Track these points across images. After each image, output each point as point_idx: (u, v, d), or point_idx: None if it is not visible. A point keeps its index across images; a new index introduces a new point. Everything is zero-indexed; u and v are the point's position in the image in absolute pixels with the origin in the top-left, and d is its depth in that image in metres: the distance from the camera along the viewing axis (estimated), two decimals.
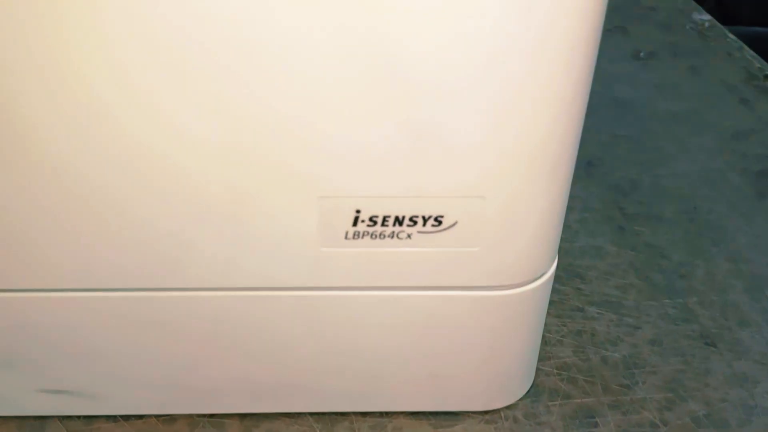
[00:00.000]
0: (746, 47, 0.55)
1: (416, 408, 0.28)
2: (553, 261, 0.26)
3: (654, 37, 0.56)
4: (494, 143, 0.21)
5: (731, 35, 0.57)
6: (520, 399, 0.29)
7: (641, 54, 0.53)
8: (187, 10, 0.18)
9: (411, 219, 0.23)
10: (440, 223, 0.23)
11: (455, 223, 0.23)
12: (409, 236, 0.23)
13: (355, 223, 0.23)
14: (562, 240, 0.33)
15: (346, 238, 0.23)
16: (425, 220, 0.23)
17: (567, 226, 0.36)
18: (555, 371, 0.30)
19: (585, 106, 0.22)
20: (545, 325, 0.30)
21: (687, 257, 0.36)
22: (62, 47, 0.19)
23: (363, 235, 0.23)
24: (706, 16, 0.60)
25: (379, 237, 0.23)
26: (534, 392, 0.29)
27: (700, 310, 0.33)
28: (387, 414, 0.28)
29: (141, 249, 0.22)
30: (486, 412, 0.28)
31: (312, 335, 0.25)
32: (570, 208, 0.36)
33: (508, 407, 0.28)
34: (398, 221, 0.23)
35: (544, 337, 0.30)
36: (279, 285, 0.24)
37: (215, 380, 0.26)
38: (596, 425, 0.28)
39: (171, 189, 0.21)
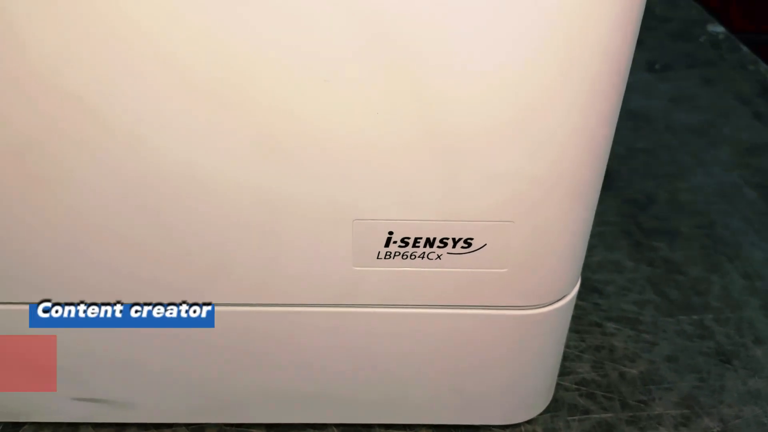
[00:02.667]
0: (760, 60, 0.56)
1: (439, 421, 0.29)
2: (577, 282, 0.26)
3: (669, 49, 0.56)
4: (525, 171, 0.22)
5: (745, 47, 0.57)
6: (540, 414, 0.29)
7: (656, 66, 0.54)
8: (227, 35, 0.19)
9: (441, 241, 0.23)
10: (469, 245, 0.24)
11: (484, 245, 0.24)
12: (438, 257, 0.24)
13: (387, 244, 0.23)
14: None
15: (378, 257, 0.24)
16: (455, 242, 0.23)
17: None
18: (574, 386, 0.30)
19: (612, 135, 0.23)
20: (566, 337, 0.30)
21: (703, 273, 0.36)
22: (113, 73, 0.19)
23: (394, 255, 0.24)
24: (720, 28, 0.60)
25: (410, 257, 0.24)
26: (554, 407, 0.30)
27: (716, 326, 0.33)
28: (410, 427, 0.29)
29: (185, 267, 0.23)
30: (506, 427, 0.29)
31: (341, 350, 0.26)
32: None
33: (528, 422, 0.29)
34: (429, 243, 0.23)
35: (563, 352, 0.31)
36: (312, 302, 0.24)
37: (244, 391, 0.27)
38: None
39: (215, 212, 0.22)
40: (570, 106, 0.21)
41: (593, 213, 0.25)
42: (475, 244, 0.24)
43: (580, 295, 0.34)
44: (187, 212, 0.22)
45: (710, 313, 0.34)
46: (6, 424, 0.28)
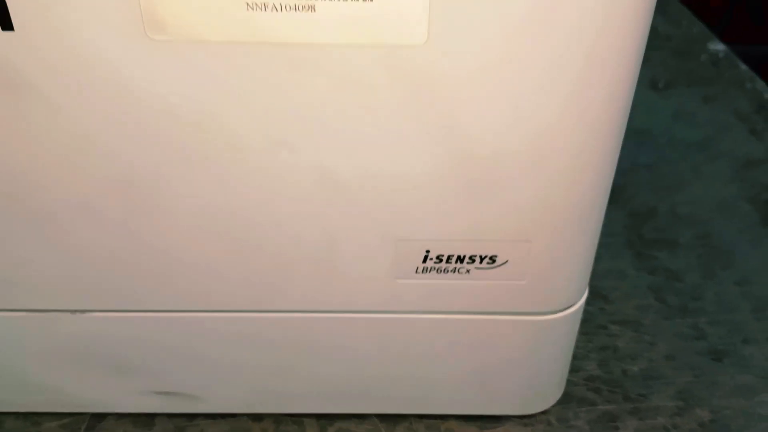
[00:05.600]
0: (758, 78, 0.60)
1: (465, 412, 0.33)
2: (585, 290, 0.31)
3: (671, 67, 0.60)
4: (541, 199, 0.26)
5: (744, 65, 0.61)
6: (553, 405, 0.33)
7: (659, 84, 0.58)
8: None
9: (470, 258, 0.28)
10: (494, 261, 0.28)
11: (506, 262, 0.28)
12: (468, 271, 0.28)
13: (424, 261, 0.28)
14: None
15: (416, 272, 0.28)
16: (482, 258, 0.28)
17: None
18: (582, 382, 0.35)
19: (617, 160, 0.27)
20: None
21: (699, 280, 0.40)
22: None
23: (430, 270, 0.28)
24: (721, 46, 0.64)
25: (444, 271, 0.28)
26: (565, 399, 0.34)
27: (710, 329, 0.37)
28: (440, 416, 0.33)
29: (253, 280, 0.27)
30: (524, 417, 0.33)
31: (382, 349, 0.30)
32: None
33: (543, 412, 0.33)
34: (459, 259, 0.28)
35: (573, 352, 0.35)
36: (359, 309, 0.29)
37: (299, 385, 0.32)
38: (617, 428, 0.33)
39: (286, 239, 0.26)
40: (582, 143, 0.25)
41: (600, 228, 0.29)
42: (498, 261, 0.28)
43: (588, 301, 0.38)
44: (262, 238, 0.26)
45: (705, 316, 0.38)
46: (93, 415, 0.32)
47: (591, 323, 0.38)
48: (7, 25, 0.22)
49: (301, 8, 0.21)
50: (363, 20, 0.22)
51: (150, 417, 0.32)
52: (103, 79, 0.23)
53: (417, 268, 0.28)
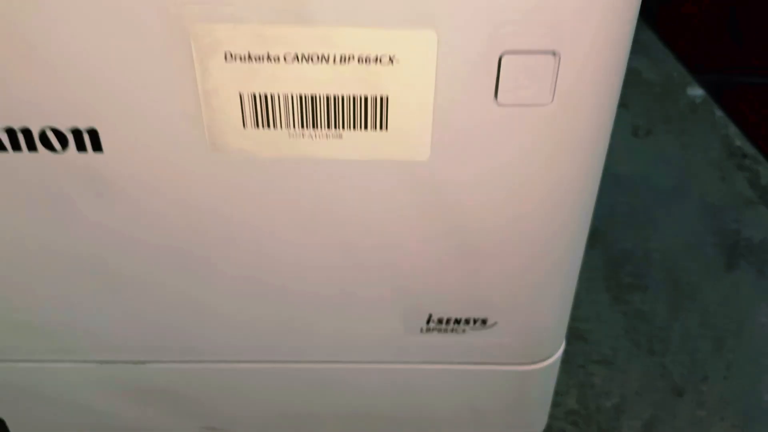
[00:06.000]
0: (732, 123, 0.65)
1: None
2: (562, 343, 0.36)
3: (652, 113, 0.66)
4: (524, 274, 0.31)
5: (719, 111, 0.67)
6: None
7: (640, 131, 0.63)
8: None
9: (465, 320, 0.33)
10: (485, 323, 0.33)
11: (495, 323, 0.33)
12: (464, 330, 0.34)
13: (428, 322, 0.33)
14: None
15: (421, 331, 0.33)
16: (475, 321, 0.33)
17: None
18: (563, 415, 0.40)
19: (587, 231, 0.33)
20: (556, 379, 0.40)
21: (666, 322, 0.46)
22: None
23: (433, 329, 0.33)
24: (699, 91, 0.70)
25: (443, 331, 0.33)
26: (547, 431, 0.39)
27: (673, 366, 0.43)
28: None
29: (286, 336, 0.33)
30: None
31: (389, 390, 0.36)
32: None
33: None
34: (456, 321, 0.33)
35: (555, 388, 0.41)
36: (375, 359, 0.34)
37: (322, 418, 0.37)
38: None
39: (313, 307, 0.32)
40: (562, 224, 0.30)
41: (574, 289, 0.34)
42: (489, 323, 0.33)
43: (569, 341, 0.44)
44: (294, 300, 0.32)
45: (669, 355, 0.44)
46: None
47: (571, 363, 0.43)
48: (98, 148, 0.27)
49: (331, 137, 0.27)
50: (379, 143, 0.27)
51: None
52: (173, 184, 0.28)
53: (422, 328, 0.33)
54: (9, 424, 0.37)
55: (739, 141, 0.63)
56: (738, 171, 0.59)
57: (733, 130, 0.64)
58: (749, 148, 0.62)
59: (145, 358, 0.34)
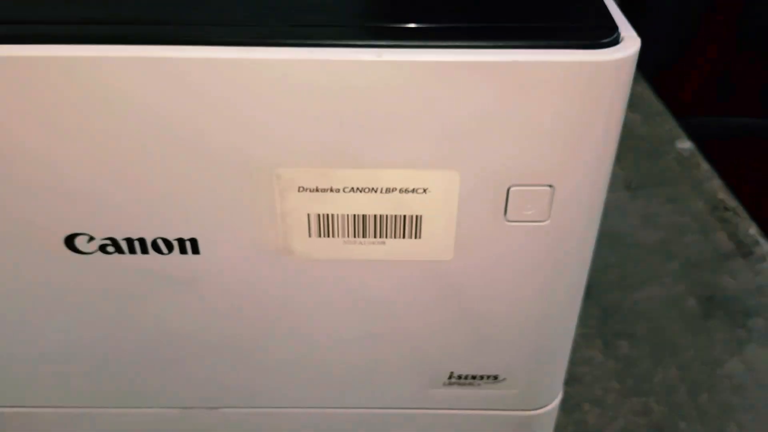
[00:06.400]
0: (716, 176, 0.73)
1: None
2: (561, 391, 0.44)
3: (643, 168, 0.73)
4: (529, 341, 0.39)
5: (705, 164, 0.74)
6: None
7: (632, 185, 0.71)
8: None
9: (480, 377, 0.41)
10: (497, 378, 0.41)
11: (505, 379, 0.41)
12: (479, 384, 0.41)
13: (449, 378, 0.41)
14: None
15: (443, 385, 0.41)
16: (488, 377, 0.41)
17: None
18: None
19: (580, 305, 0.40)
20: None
21: (650, 366, 0.53)
22: None
23: (453, 383, 0.41)
24: (687, 144, 0.77)
25: (462, 384, 0.41)
26: None
27: (656, 406, 0.51)
28: None
29: (333, 389, 0.41)
30: None
31: (416, 429, 0.44)
32: None
33: None
34: (473, 377, 0.41)
35: (555, 426, 0.48)
36: (405, 406, 0.42)
37: None
38: None
39: (345, 368, 0.39)
40: (559, 304, 0.38)
41: (571, 343, 0.42)
42: (500, 378, 0.41)
43: (567, 382, 0.52)
44: (339, 366, 0.40)
45: (653, 396, 0.51)
46: None
47: (569, 401, 0.51)
48: (196, 252, 0.35)
49: (377, 243, 0.35)
50: (414, 248, 0.35)
51: None
52: (250, 278, 0.36)
53: (444, 382, 0.41)
54: None
55: (722, 194, 0.70)
56: (719, 223, 0.66)
57: (716, 183, 0.72)
58: (731, 201, 0.69)
59: (217, 405, 0.42)
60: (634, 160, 0.74)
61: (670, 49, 0.94)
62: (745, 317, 0.57)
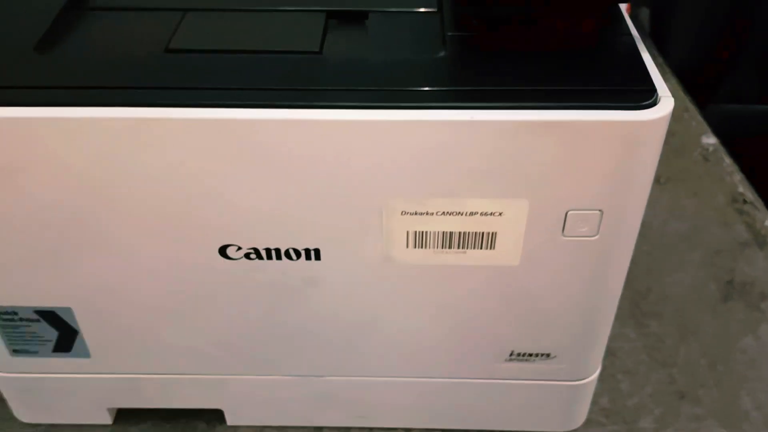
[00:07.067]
0: (737, 171, 0.81)
1: (518, 428, 0.56)
2: (600, 364, 0.53)
3: (671, 163, 0.81)
4: (580, 328, 0.49)
5: (727, 159, 0.82)
6: (579, 427, 0.56)
7: (661, 179, 0.79)
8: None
9: (535, 354, 0.50)
10: (548, 356, 0.51)
11: (556, 356, 0.50)
12: (534, 360, 0.51)
13: (510, 355, 0.50)
14: None
15: (505, 360, 0.51)
16: (542, 355, 0.50)
17: None
18: (597, 411, 0.58)
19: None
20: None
21: (676, 342, 0.63)
22: None
23: (513, 359, 0.51)
24: (712, 139, 0.85)
25: (521, 361, 0.51)
26: (586, 423, 0.57)
27: (678, 376, 0.60)
28: None
29: (421, 362, 0.51)
30: None
31: (482, 395, 0.53)
32: None
33: (573, 431, 0.56)
34: (529, 355, 0.50)
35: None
36: (475, 377, 0.52)
37: (434, 408, 0.55)
38: None
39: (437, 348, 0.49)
40: (603, 298, 0.47)
41: (610, 327, 0.51)
42: (551, 356, 0.50)
43: (603, 356, 0.61)
44: (425, 347, 0.49)
45: (676, 368, 0.61)
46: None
47: (605, 372, 0.60)
48: (318, 258, 0.44)
49: (459, 252, 0.44)
50: (489, 256, 0.44)
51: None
52: (359, 279, 0.45)
53: (506, 359, 0.51)
54: (227, 414, 0.55)
55: (742, 187, 0.78)
56: (738, 215, 0.75)
57: (737, 177, 0.80)
58: (750, 194, 0.77)
59: (323, 374, 0.52)
60: (664, 156, 0.82)
61: (700, 45, 1.01)
62: (760, 300, 0.66)
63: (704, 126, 0.87)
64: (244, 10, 0.46)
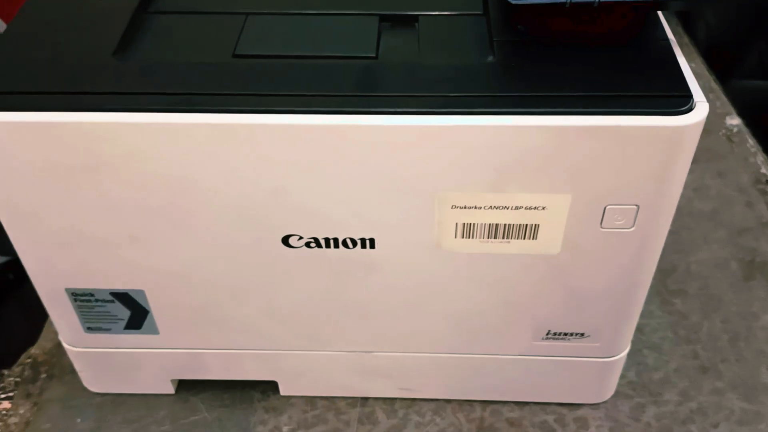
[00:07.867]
0: (761, 152, 0.83)
1: (553, 400, 0.60)
2: (629, 343, 0.57)
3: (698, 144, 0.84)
4: (614, 310, 0.52)
5: (751, 140, 0.85)
6: (608, 399, 0.60)
7: None
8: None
9: (571, 334, 0.54)
10: (583, 335, 0.54)
11: (589, 336, 0.54)
12: (569, 339, 0.55)
13: (547, 334, 0.54)
14: None
15: (542, 339, 0.55)
16: (577, 334, 0.54)
17: None
18: (625, 384, 0.62)
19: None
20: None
21: (699, 319, 0.66)
22: None
23: (549, 338, 0.55)
24: (736, 120, 0.88)
25: (557, 339, 0.55)
26: (615, 395, 0.61)
27: (701, 351, 0.64)
28: (539, 403, 0.60)
29: (464, 340, 0.55)
30: (591, 405, 0.60)
31: (521, 369, 0.58)
32: None
33: (602, 402, 0.60)
34: (564, 335, 0.54)
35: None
36: (514, 353, 0.56)
37: (477, 385, 0.59)
38: (644, 412, 0.60)
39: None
40: (636, 283, 0.51)
41: (641, 308, 0.55)
42: (585, 335, 0.54)
43: None
44: (470, 327, 0.53)
45: (699, 344, 0.64)
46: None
47: (633, 347, 0.64)
48: (373, 247, 0.48)
49: (504, 242, 0.47)
50: (531, 245, 0.48)
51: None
52: (412, 264, 0.49)
53: (542, 337, 0.55)
54: (281, 385, 0.60)
55: (765, 168, 0.81)
56: (761, 195, 0.78)
57: (761, 158, 0.82)
58: None
59: (372, 350, 0.56)
60: None
61: (725, 19, 1.02)
62: None
63: (728, 106, 0.90)
64: (299, 13, 0.49)
